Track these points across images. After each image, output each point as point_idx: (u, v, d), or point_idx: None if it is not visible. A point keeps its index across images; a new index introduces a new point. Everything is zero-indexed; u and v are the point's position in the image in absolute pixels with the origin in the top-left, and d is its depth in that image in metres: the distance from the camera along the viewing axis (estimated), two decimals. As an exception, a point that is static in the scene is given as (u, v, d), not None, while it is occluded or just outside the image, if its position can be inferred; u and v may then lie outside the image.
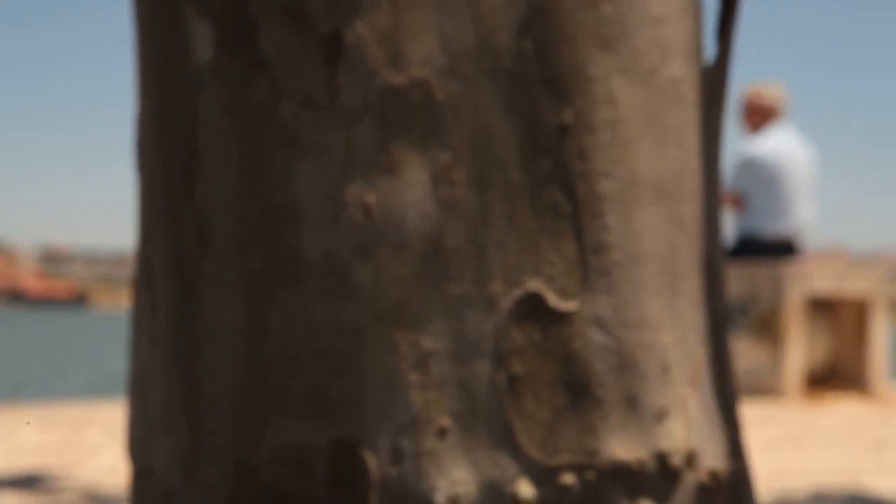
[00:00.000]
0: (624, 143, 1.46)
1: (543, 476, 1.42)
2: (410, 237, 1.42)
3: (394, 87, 1.42)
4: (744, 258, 9.00)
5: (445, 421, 1.42)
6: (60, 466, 4.98)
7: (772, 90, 9.05)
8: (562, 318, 1.44)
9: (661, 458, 1.46)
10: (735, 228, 9.15)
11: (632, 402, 1.45)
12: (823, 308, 9.19)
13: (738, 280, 8.82)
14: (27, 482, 4.62)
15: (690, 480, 1.47)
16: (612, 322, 1.45)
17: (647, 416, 1.45)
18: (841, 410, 8.12)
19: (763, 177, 8.96)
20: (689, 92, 1.51)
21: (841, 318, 9.18)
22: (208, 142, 1.46)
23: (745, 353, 8.73)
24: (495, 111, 1.43)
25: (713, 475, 1.49)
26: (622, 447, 1.44)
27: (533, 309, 1.43)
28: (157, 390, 1.52)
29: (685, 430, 1.47)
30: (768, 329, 8.65)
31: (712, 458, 1.50)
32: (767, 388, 8.62)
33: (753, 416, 7.57)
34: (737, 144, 9.23)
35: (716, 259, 1.57)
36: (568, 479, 1.43)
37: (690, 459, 1.47)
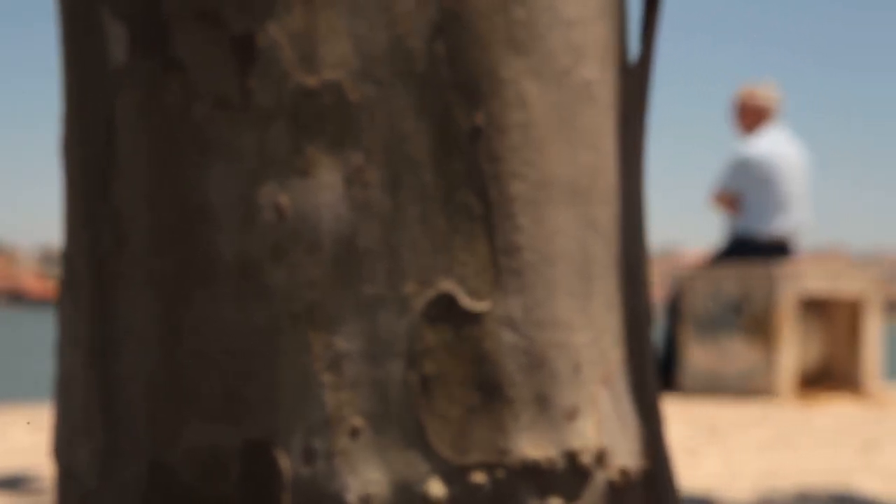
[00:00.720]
0: (536, 144, 1.47)
1: (454, 475, 1.44)
2: (324, 238, 1.43)
3: (307, 89, 1.43)
4: (739, 258, 9.01)
5: (358, 421, 1.43)
6: (51, 467, 5.00)
7: (765, 91, 9.06)
8: (474, 318, 1.45)
9: (571, 457, 1.47)
10: (730, 229, 9.15)
11: (542, 402, 1.46)
12: (817, 308, 9.20)
13: (733, 280, 8.83)
14: (15, 483, 4.63)
15: (601, 478, 1.48)
16: (523, 322, 1.46)
17: (557, 416, 1.47)
18: (834, 411, 8.12)
19: (757, 177, 8.96)
20: (604, 94, 1.52)
21: (834, 318, 9.18)
22: (124, 143, 1.48)
23: (739, 353, 8.73)
24: (408, 114, 1.44)
25: (624, 473, 1.50)
26: (532, 446, 1.45)
27: (445, 309, 1.44)
28: (77, 391, 1.53)
29: (596, 429, 1.48)
30: (762, 329, 8.65)
31: (624, 457, 1.51)
32: (761, 389, 8.62)
33: (746, 417, 7.58)
34: (732, 145, 9.23)
35: (637, 260, 1.58)
36: (478, 477, 1.44)
37: (601, 457, 1.48)
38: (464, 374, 1.44)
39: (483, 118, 1.45)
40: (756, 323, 8.69)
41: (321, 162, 1.43)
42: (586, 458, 1.47)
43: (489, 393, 1.45)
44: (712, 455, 5.79)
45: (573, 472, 1.47)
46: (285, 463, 1.43)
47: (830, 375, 9.13)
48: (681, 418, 7.43)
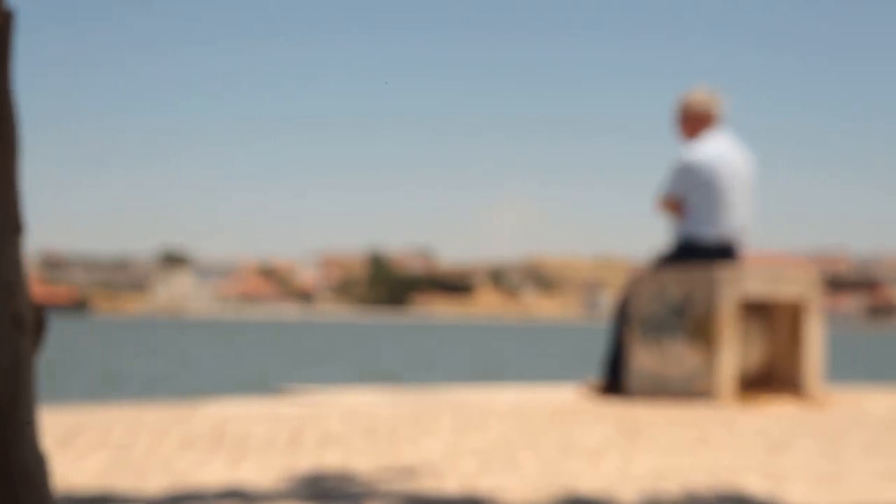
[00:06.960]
0: None
1: None
2: None
3: None
4: (683, 262, 9.08)
5: None
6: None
7: (704, 96, 9.12)
8: None
9: None
10: (675, 233, 9.23)
11: None
12: (759, 311, 9.27)
13: (676, 284, 8.90)
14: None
15: None
16: None
17: None
18: (768, 412, 8.19)
19: (700, 181, 9.03)
20: None
21: (776, 321, 9.25)
22: None
23: (682, 356, 8.81)
24: None
25: None
26: None
27: None
28: None
29: None
30: (703, 332, 8.72)
31: None
32: (703, 391, 8.69)
33: (676, 419, 7.63)
34: (675, 150, 9.30)
35: (7, 267, 1.68)
36: None
37: None
38: None
39: None
40: (698, 326, 8.76)
41: None
42: None
43: None
44: (614, 456, 5.82)
45: None
46: None
47: (773, 378, 9.21)
48: (609, 421, 7.44)
